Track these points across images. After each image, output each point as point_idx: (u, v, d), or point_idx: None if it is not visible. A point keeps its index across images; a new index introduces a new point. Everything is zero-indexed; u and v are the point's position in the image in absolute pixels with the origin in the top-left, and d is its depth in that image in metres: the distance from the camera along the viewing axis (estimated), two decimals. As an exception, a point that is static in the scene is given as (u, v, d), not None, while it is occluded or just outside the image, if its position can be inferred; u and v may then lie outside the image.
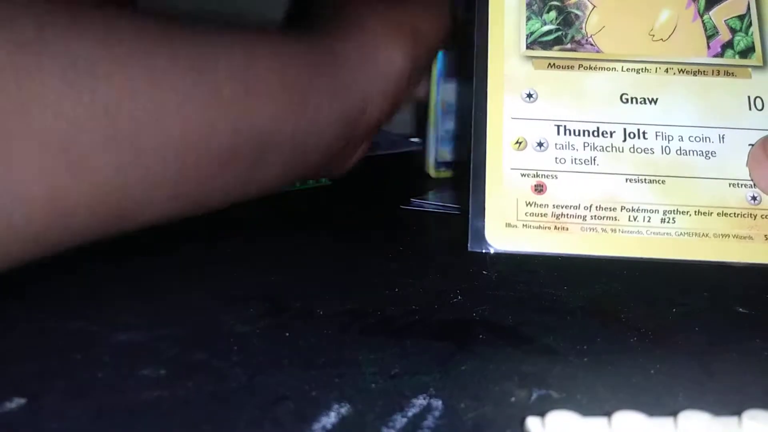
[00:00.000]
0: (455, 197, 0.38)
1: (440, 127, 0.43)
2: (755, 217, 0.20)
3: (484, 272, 0.25)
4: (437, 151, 0.44)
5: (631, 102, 0.22)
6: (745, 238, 0.20)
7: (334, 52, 0.30)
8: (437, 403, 0.15)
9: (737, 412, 0.14)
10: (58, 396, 0.16)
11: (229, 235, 0.30)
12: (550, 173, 0.21)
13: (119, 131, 0.22)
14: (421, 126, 0.43)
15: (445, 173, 0.44)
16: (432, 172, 0.44)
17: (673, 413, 0.14)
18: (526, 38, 0.22)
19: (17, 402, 0.15)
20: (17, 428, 0.14)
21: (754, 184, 0.20)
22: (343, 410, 0.15)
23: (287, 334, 0.19)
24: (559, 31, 0.23)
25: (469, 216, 0.21)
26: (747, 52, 0.22)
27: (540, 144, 0.21)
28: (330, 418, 0.15)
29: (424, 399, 0.16)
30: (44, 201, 0.21)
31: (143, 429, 0.14)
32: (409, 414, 0.15)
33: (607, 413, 0.14)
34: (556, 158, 0.21)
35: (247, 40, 0.27)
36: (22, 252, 0.21)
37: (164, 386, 0.16)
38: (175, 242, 0.28)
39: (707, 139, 0.21)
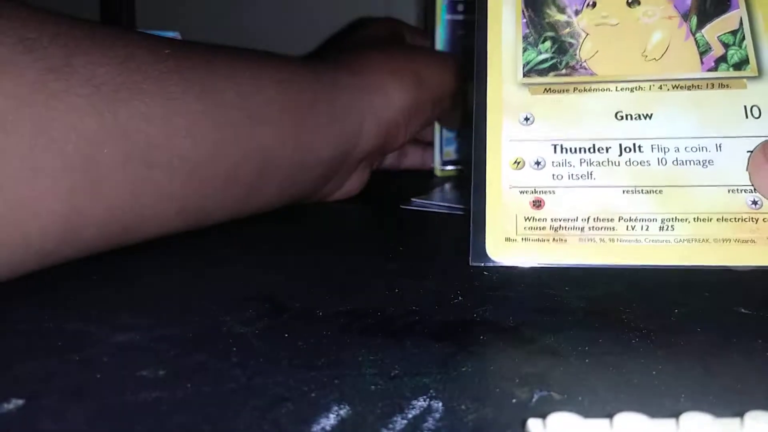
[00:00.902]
0: (456, 197, 0.38)
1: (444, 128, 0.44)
2: (757, 221, 0.21)
3: (485, 273, 0.25)
4: (443, 150, 0.44)
5: (626, 119, 0.22)
6: (747, 241, 0.21)
7: (335, 80, 0.32)
8: (437, 405, 0.15)
9: (739, 413, 0.14)
10: (56, 397, 0.16)
11: (229, 236, 0.30)
12: (548, 189, 0.21)
13: (135, 152, 0.23)
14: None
15: (450, 172, 0.44)
16: (438, 171, 0.45)
17: (675, 414, 0.14)
18: (523, 67, 0.23)
19: (15, 403, 0.15)
20: (15, 429, 0.14)
21: (755, 189, 0.21)
22: (343, 412, 0.15)
23: (286, 335, 0.19)
24: (554, 59, 0.23)
25: (470, 232, 0.21)
26: (741, 64, 0.22)
27: (537, 163, 0.22)
28: (329, 420, 0.15)
29: (425, 400, 0.16)
30: (61, 218, 0.22)
31: (142, 430, 0.14)
32: (409, 415, 0.15)
33: (609, 414, 0.14)
34: (553, 175, 0.22)
35: (253, 67, 0.28)
36: (35, 264, 0.22)
37: (163, 387, 0.16)
38: (174, 243, 0.28)
39: (704, 148, 0.21)
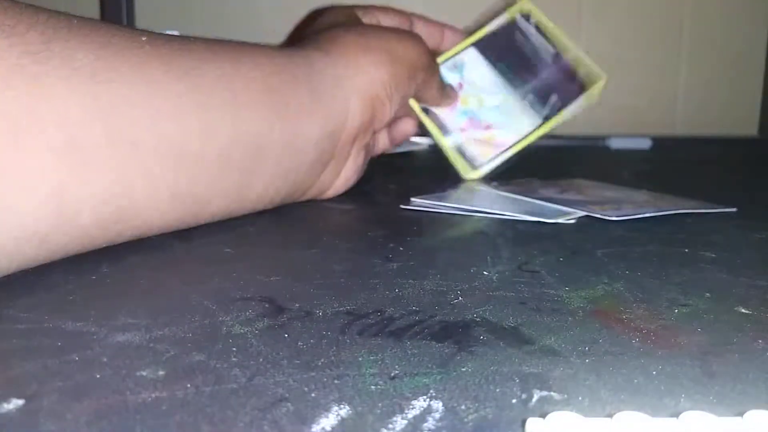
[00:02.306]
0: (456, 198, 0.38)
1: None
2: None
3: (485, 272, 0.25)
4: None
5: None
6: None
7: (310, 61, 0.33)
8: (437, 405, 0.15)
9: (740, 413, 0.14)
10: (56, 397, 0.16)
11: (229, 236, 0.30)
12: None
13: (120, 133, 0.23)
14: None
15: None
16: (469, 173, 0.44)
17: (676, 414, 0.14)
18: None
19: (15, 403, 0.15)
20: (16, 429, 0.14)
21: None
22: (343, 412, 0.15)
23: (286, 335, 0.19)
24: None
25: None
26: None
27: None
28: (329, 420, 0.15)
29: (424, 400, 0.16)
30: (51, 198, 0.22)
31: (142, 430, 0.14)
32: (409, 416, 0.15)
33: (609, 414, 0.14)
34: None
35: (231, 52, 0.29)
36: (33, 252, 0.22)
37: (163, 387, 0.16)
38: (174, 243, 0.28)
39: None
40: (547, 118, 0.43)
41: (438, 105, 0.43)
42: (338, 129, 0.34)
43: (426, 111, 0.43)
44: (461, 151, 0.43)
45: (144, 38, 0.25)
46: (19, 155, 0.21)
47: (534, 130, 0.43)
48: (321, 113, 0.32)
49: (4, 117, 0.20)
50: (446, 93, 0.43)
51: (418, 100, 0.42)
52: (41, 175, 0.21)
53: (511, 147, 0.43)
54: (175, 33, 0.45)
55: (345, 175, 0.37)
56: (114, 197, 0.24)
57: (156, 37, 0.26)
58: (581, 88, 0.44)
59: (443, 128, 0.43)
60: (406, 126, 0.43)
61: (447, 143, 0.43)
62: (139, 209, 0.25)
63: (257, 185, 0.30)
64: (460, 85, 0.44)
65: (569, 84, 0.44)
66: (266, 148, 0.29)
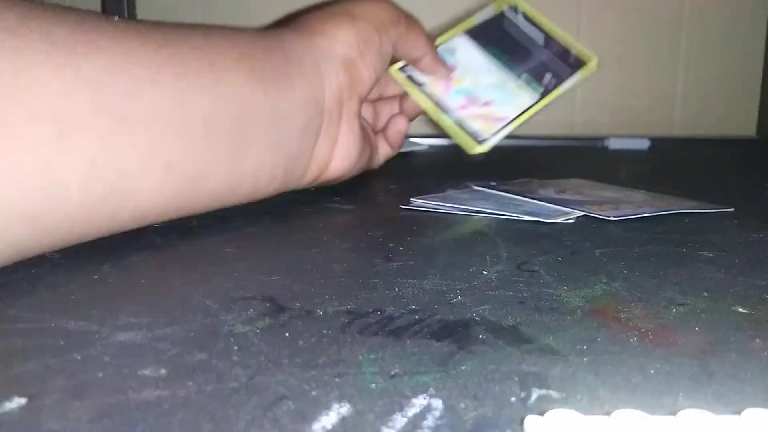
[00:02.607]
0: (455, 198, 0.38)
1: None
2: None
3: (484, 272, 0.25)
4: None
5: None
6: None
7: (280, 38, 0.33)
8: (437, 403, 0.15)
9: (737, 411, 0.14)
10: (58, 396, 0.16)
11: (230, 236, 0.30)
12: None
13: (103, 103, 0.23)
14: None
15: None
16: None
17: (674, 412, 0.14)
18: None
19: (17, 402, 0.15)
20: (17, 428, 0.14)
21: None
22: (343, 410, 0.15)
23: (287, 334, 0.19)
24: None
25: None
26: None
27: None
28: (330, 418, 0.15)
29: (424, 399, 0.16)
30: (36, 170, 0.22)
31: (144, 429, 0.14)
32: (409, 414, 0.15)
33: (607, 412, 0.14)
34: None
35: (202, 28, 0.30)
36: (28, 235, 0.22)
37: (164, 386, 0.16)
38: (176, 242, 0.28)
39: None
40: (543, 95, 0.43)
41: (431, 72, 0.42)
42: (319, 94, 0.34)
43: (421, 90, 0.42)
44: (463, 127, 0.41)
45: (116, 18, 0.26)
46: (2, 129, 0.21)
47: (533, 104, 0.42)
48: (297, 79, 0.32)
49: None
50: (438, 61, 0.42)
51: (408, 60, 0.41)
52: (25, 148, 0.21)
53: (512, 120, 0.42)
54: None
55: (343, 146, 0.36)
56: (103, 169, 0.24)
57: (128, 20, 0.27)
58: (574, 67, 0.44)
59: (441, 107, 0.42)
60: (398, 125, 0.42)
61: (447, 120, 0.41)
62: (130, 182, 0.25)
63: (249, 155, 0.30)
64: (454, 67, 0.43)
65: (562, 63, 0.44)
66: (250, 114, 0.30)
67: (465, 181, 0.43)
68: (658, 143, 0.67)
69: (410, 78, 0.42)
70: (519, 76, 0.43)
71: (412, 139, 0.63)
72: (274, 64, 0.31)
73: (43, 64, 0.22)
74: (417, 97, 0.42)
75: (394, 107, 0.44)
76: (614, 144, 0.66)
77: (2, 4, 0.22)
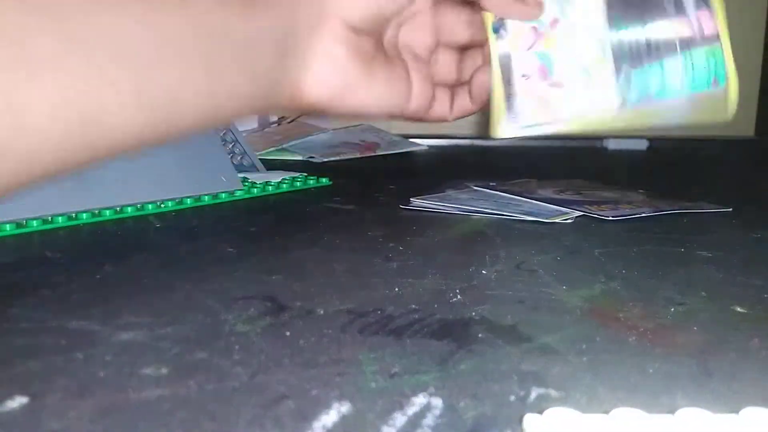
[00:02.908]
0: (454, 198, 0.38)
1: None
2: None
3: (483, 272, 0.25)
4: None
5: None
6: None
7: None
8: (437, 402, 0.16)
9: (735, 409, 0.14)
10: (60, 395, 0.16)
11: (230, 236, 0.30)
12: None
13: (72, 37, 0.23)
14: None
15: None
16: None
17: (672, 411, 0.14)
18: None
19: (19, 400, 0.15)
20: (19, 426, 0.14)
21: None
22: (344, 409, 0.15)
23: (288, 334, 0.19)
24: None
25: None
26: None
27: None
28: (330, 417, 0.15)
29: (424, 398, 0.16)
30: (3, 108, 0.21)
31: (145, 427, 0.14)
32: (409, 412, 0.15)
33: (606, 411, 0.14)
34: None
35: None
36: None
37: (166, 385, 0.16)
38: (177, 243, 0.28)
39: None
40: (630, 103, 0.31)
41: (508, 14, 0.33)
42: (290, 17, 0.29)
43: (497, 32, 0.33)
44: (508, 102, 0.33)
45: None
46: None
47: (603, 116, 0.31)
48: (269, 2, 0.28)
49: None
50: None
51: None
52: None
53: (564, 123, 0.33)
54: None
55: (320, 72, 0.30)
56: (73, 105, 0.23)
57: None
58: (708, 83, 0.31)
59: (506, 67, 0.33)
60: (480, 78, 0.34)
61: (497, 87, 0.33)
62: (103, 115, 0.24)
63: (223, 80, 0.27)
64: (555, 22, 0.33)
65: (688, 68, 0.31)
66: (220, 38, 0.27)
67: (465, 181, 0.43)
68: (657, 144, 0.67)
69: (497, 25, 0.33)
70: (619, 69, 0.32)
71: (411, 140, 0.63)
72: None
73: (4, 2, 0.21)
74: (491, 50, 0.33)
75: (478, 59, 0.36)
76: (613, 144, 0.66)
77: None
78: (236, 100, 0.28)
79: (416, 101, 0.34)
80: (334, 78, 0.31)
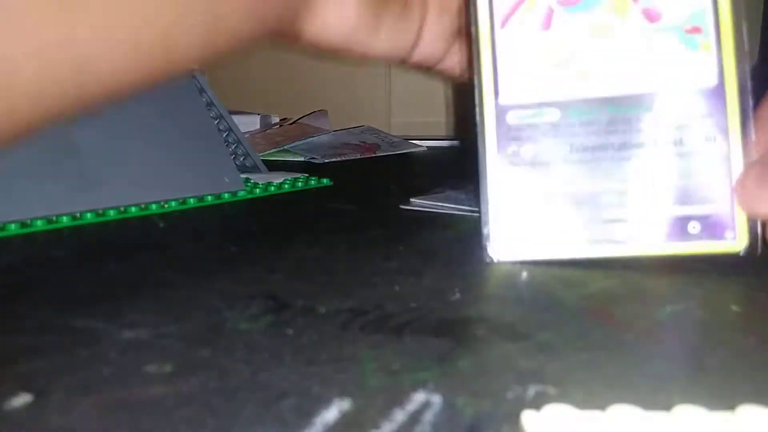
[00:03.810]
0: (454, 198, 0.38)
1: None
2: None
3: (483, 271, 0.26)
4: None
5: None
6: None
7: None
8: (436, 399, 0.16)
9: (731, 407, 0.15)
10: (64, 392, 0.16)
11: (232, 235, 0.30)
12: None
13: None
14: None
15: None
16: None
17: (668, 408, 0.14)
18: None
19: (23, 398, 0.16)
20: (23, 424, 0.15)
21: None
22: (344, 405, 0.15)
23: (289, 332, 0.20)
24: None
25: None
26: None
27: None
28: (331, 413, 0.15)
29: (424, 394, 0.16)
30: None
31: (148, 424, 0.15)
32: (409, 409, 0.15)
33: (603, 408, 0.14)
34: None
35: None
36: None
37: (169, 382, 0.16)
38: (180, 242, 0.29)
39: None
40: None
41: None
42: None
43: None
44: None
45: None
46: None
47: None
48: None
49: None
50: None
51: None
52: None
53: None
54: None
55: (326, 16, 0.28)
56: (60, 54, 0.21)
57: None
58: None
59: None
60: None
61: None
62: (94, 62, 0.22)
63: (225, 22, 0.25)
64: None
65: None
66: None
67: (464, 181, 0.43)
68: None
69: None
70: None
71: (411, 141, 0.64)
72: None
73: None
74: None
75: None
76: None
77: None
78: (237, 42, 0.26)
79: (422, 54, 0.32)
80: (340, 26, 0.29)
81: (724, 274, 0.25)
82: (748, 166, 0.25)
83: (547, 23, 0.26)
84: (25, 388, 0.16)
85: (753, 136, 0.25)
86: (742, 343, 0.19)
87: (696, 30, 0.25)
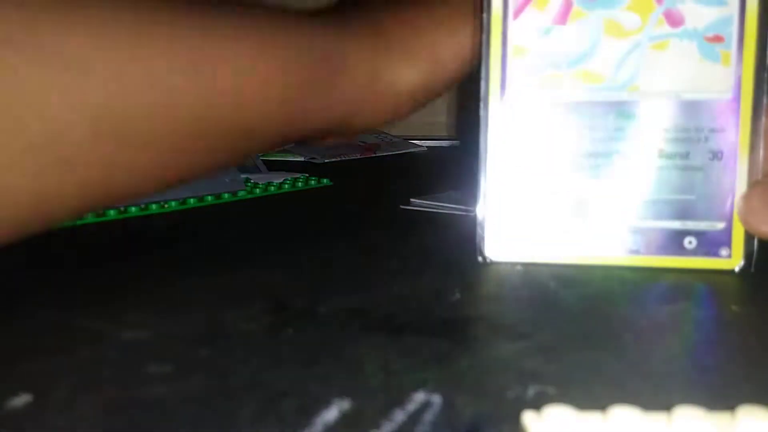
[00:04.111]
0: (454, 198, 0.38)
1: None
2: None
3: (483, 271, 0.26)
4: None
5: None
6: None
7: (343, 54, 0.28)
8: (436, 399, 0.16)
9: (731, 407, 0.15)
10: (64, 392, 0.16)
11: (233, 236, 0.30)
12: None
13: (109, 130, 0.21)
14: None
15: None
16: None
17: (668, 408, 0.14)
18: None
19: (24, 398, 0.16)
20: (24, 424, 0.15)
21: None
22: (344, 405, 0.15)
23: (289, 332, 0.20)
24: None
25: None
26: None
27: None
28: (331, 413, 0.15)
29: (424, 394, 0.16)
30: (30, 197, 0.21)
31: (149, 424, 0.15)
32: (409, 409, 0.15)
33: (603, 408, 0.15)
34: None
35: (255, 33, 0.25)
36: (4, 237, 0.21)
37: (169, 382, 0.16)
38: (180, 243, 0.29)
39: None
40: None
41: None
42: (336, 125, 0.28)
43: None
44: None
45: (149, 15, 0.22)
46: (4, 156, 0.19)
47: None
48: (325, 112, 0.28)
49: None
50: None
51: None
52: (19, 176, 0.20)
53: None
54: None
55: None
56: (98, 188, 0.22)
57: (166, 9, 0.23)
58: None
59: None
60: None
61: None
62: (121, 192, 0.23)
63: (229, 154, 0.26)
64: None
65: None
66: (259, 132, 0.26)
67: (464, 181, 0.43)
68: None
69: None
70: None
71: (411, 141, 0.64)
72: (309, 95, 0.26)
73: (47, 89, 0.20)
74: None
75: None
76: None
77: (14, 4, 0.19)
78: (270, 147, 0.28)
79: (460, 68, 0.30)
80: (381, 121, 0.31)
81: (724, 275, 0.25)
82: (754, 184, 0.24)
83: (563, 18, 0.25)
84: (26, 388, 0.16)
85: (762, 152, 0.24)
86: (742, 343, 0.19)
87: (718, 39, 0.24)
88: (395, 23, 0.29)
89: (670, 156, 0.25)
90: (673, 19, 0.25)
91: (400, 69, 0.29)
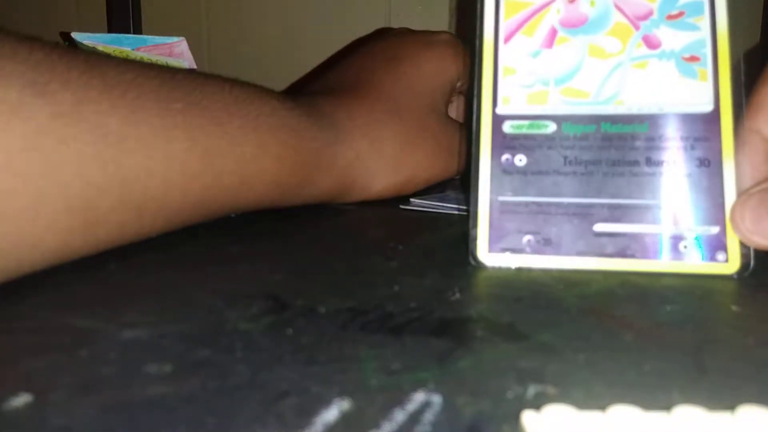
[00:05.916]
0: (454, 198, 0.38)
1: None
2: None
3: (482, 270, 0.26)
4: None
5: None
6: None
7: (326, 158, 0.33)
8: (436, 398, 0.16)
9: (731, 407, 0.15)
10: (64, 392, 0.16)
11: (233, 235, 0.30)
12: None
13: (131, 201, 0.24)
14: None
15: None
16: None
17: (668, 408, 0.15)
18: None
19: (24, 398, 0.16)
20: (24, 424, 0.15)
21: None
22: (344, 405, 0.15)
23: (290, 332, 0.20)
24: None
25: None
26: None
27: None
28: (331, 413, 0.15)
29: (424, 394, 0.16)
30: (55, 251, 0.23)
31: (149, 424, 0.15)
32: (409, 409, 0.15)
33: (603, 408, 0.15)
34: None
35: (263, 128, 0.29)
36: (8, 279, 0.23)
37: (169, 382, 0.16)
38: (180, 242, 0.29)
39: None
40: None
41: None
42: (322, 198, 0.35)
43: None
44: None
45: (175, 101, 0.26)
46: (37, 214, 0.21)
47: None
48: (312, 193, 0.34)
49: (29, 177, 0.21)
50: None
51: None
52: (53, 235, 0.22)
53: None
54: (182, 40, 0.45)
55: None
56: (106, 247, 0.25)
57: (190, 102, 0.26)
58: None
59: None
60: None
61: None
62: (124, 244, 0.26)
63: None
64: None
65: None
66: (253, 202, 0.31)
67: (464, 181, 0.44)
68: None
69: None
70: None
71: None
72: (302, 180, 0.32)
73: (88, 157, 0.22)
74: None
75: None
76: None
77: (60, 80, 0.22)
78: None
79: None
80: (382, 193, 0.37)
81: (722, 277, 0.25)
82: (746, 194, 0.25)
83: (549, 43, 0.27)
84: (25, 388, 0.16)
85: (747, 158, 0.25)
86: (742, 343, 0.19)
87: (694, 59, 0.26)
88: (370, 143, 0.35)
89: (657, 163, 0.26)
90: (651, 43, 0.26)
91: (371, 179, 0.36)
